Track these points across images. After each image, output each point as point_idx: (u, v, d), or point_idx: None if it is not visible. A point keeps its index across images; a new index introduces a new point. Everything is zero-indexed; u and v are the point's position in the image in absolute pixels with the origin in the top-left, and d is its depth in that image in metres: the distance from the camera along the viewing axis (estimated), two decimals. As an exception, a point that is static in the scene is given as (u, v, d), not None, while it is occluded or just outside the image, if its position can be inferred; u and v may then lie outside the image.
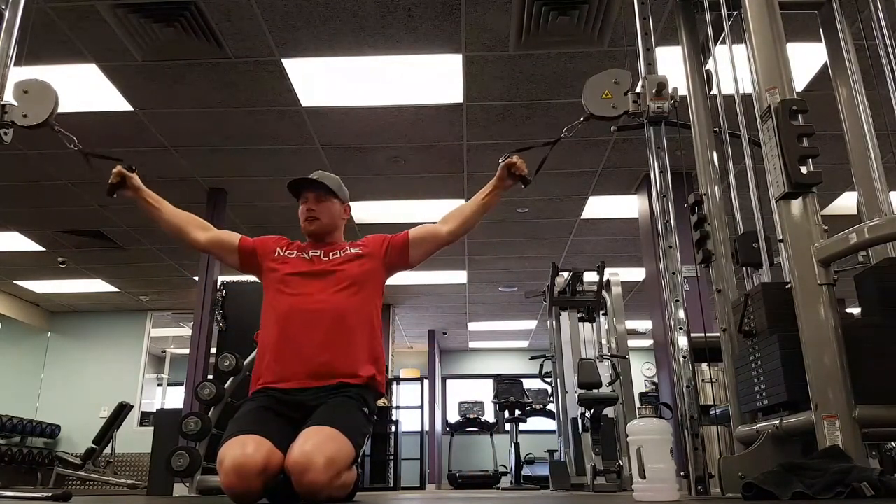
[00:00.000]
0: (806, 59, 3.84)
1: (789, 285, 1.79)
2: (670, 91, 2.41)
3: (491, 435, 9.60)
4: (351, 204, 2.39)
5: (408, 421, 9.12)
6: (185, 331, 9.53)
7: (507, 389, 8.58)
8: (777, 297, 1.91)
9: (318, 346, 2.00)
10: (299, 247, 2.23)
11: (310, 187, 2.23)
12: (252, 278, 6.17)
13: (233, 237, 2.26)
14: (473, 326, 10.64)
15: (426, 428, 9.49)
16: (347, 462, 1.84)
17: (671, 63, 2.74)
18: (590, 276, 5.87)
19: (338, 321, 2.03)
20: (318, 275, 2.10)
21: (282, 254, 2.18)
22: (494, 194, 2.24)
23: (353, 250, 2.17)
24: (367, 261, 2.16)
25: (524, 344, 11.89)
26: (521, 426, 8.52)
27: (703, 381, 3.81)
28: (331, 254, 2.16)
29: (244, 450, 1.77)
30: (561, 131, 2.46)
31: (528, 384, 8.87)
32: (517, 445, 8.20)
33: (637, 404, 5.83)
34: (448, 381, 12.38)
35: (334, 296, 2.06)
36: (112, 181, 2.17)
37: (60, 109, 4.61)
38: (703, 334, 2.35)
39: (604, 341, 6.01)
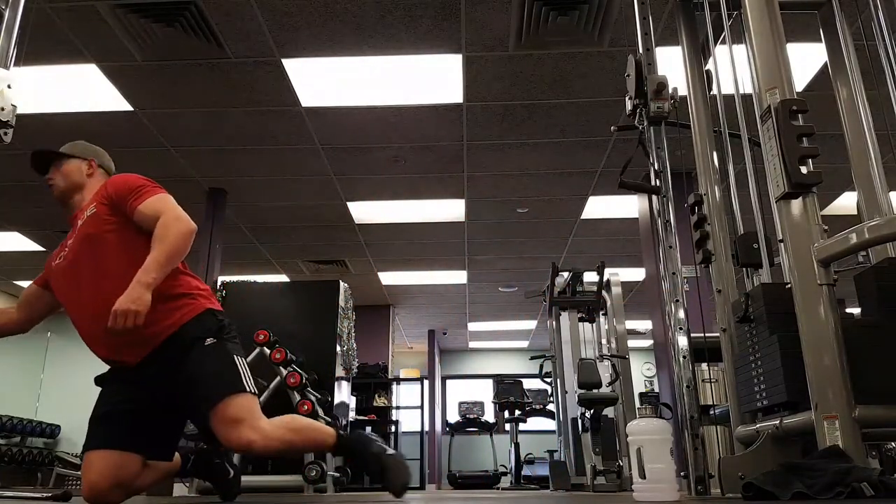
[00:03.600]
0: (806, 59, 3.84)
1: (789, 285, 1.79)
2: (670, 91, 2.41)
3: (491, 435, 9.60)
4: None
5: (408, 421, 9.12)
6: (185, 331, 9.53)
7: (507, 389, 8.57)
8: (777, 297, 1.91)
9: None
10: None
11: (39, 164, 2.11)
12: (253, 278, 6.12)
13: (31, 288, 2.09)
14: (473, 326, 10.64)
15: (426, 428, 9.49)
16: None
17: (671, 63, 2.74)
18: (590, 276, 5.87)
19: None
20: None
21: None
22: None
23: (88, 212, 1.98)
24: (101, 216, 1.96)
25: (524, 344, 11.89)
26: (521, 426, 8.50)
27: (703, 381, 3.81)
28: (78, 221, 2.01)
29: None
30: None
31: (528, 384, 8.86)
32: (517, 445, 8.19)
33: (637, 404, 5.83)
34: (448, 381, 12.38)
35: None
36: None
37: (60, 109, 4.62)
38: (702, 334, 2.36)
39: (604, 341, 6.01)
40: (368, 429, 7.90)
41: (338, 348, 5.52)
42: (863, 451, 1.56)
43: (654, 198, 2.48)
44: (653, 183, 2.44)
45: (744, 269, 2.22)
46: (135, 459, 1.88)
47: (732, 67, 2.36)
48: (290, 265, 7.68)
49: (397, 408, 9.23)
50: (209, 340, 1.89)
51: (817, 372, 1.63)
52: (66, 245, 2.01)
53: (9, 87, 2.09)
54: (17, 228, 6.42)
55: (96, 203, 1.97)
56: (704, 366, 3.78)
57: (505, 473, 8.80)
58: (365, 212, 6.07)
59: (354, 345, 6.18)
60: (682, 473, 2.11)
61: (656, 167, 2.46)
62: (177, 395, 1.88)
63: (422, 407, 9.41)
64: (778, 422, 1.80)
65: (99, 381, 2.00)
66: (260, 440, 1.79)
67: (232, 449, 1.83)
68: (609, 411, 5.31)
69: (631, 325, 7.30)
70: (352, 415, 6.62)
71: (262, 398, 4.38)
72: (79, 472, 6.72)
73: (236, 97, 4.31)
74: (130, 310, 1.72)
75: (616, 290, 5.95)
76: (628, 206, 6.05)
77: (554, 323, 6.19)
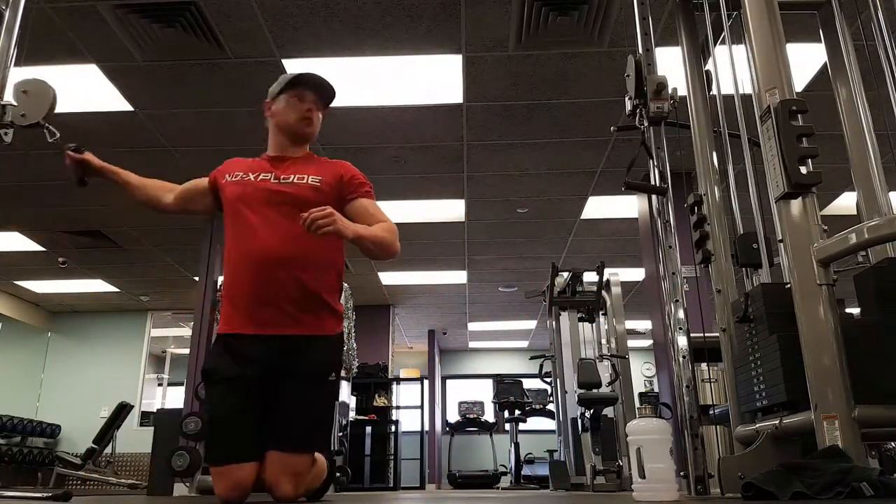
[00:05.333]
0: (806, 59, 3.84)
1: (789, 285, 1.79)
2: (670, 91, 2.41)
3: (491, 435, 9.60)
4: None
5: (408, 421, 9.13)
6: (186, 331, 9.52)
7: (507, 389, 8.58)
8: (777, 297, 1.91)
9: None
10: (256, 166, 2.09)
11: (317, 89, 2.11)
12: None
13: (199, 180, 2.15)
14: (473, 326, 10.64)
15: (426, 428, 9.49)
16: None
17: (671, 63, 2.74)
18: (590, 276, 5.87)
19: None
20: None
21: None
22: None
23: (310, 180, 2.02)
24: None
25: (524, 344, 11.89)
26: (521, 426, 8.52)
27: (702, 381, 3.81)
28: (293, 176, 2.02)
29: None
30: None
31: (528, 384, 8.87)
32: (517, 445, 8.20)
33: (637, 404, 5.83)
34: (448, 381, 12.38)
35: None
36: (73, 168, 2.05)
37: (61, 109, 4.60)
38: (702, 334, 2.36)
39: (604, 341, 6.01)
40: (368, 429, 7.90)
41: (338, 348, 5.51)
42: (863, 451, 1.56)
43: (654, 198, 2.48)
44: (656, 183, 2.44)
45: (743, 269, 2.22)
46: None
47: (732, 67, 2.36)
48: (290, 265, 7.68)
49: (397, 408, 9.23)
50: (332, 377, 1.96)
51: (817, 372, 1.63)
52: (275, 180, 1.98)
53: (11, 88, 2.09)
54: (17, 228, 6.42)
55: (325, 179, 2.03)
56: (704, 366, 3.78)
57: (505, 473, 8.81)
58: (365, 212, 6.05)
59: (354, 345, 6.18)
60: (681, 473, 2.11)
61: (659, 168, 2.46)
62: (278, 404, 1.90)
63: (422, 407, 9.41)
64: (777, 422, 1.80)
65: (210, 376, 1.92)
66: (292, 495, 1.86)
67: (270, 487, 1.86)
68: (609, 411, 5.32)
69: (631, 325, 7.31)
70: (352, 415, 6.63)
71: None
72: (79, 472, 6.73)
73: (236, 97, 4.31)
74: (329, 218, 1.75)
75: (616, 290, 5.95)
76: (628, 206, 6.05)
77: (554, 323, 6.19)
